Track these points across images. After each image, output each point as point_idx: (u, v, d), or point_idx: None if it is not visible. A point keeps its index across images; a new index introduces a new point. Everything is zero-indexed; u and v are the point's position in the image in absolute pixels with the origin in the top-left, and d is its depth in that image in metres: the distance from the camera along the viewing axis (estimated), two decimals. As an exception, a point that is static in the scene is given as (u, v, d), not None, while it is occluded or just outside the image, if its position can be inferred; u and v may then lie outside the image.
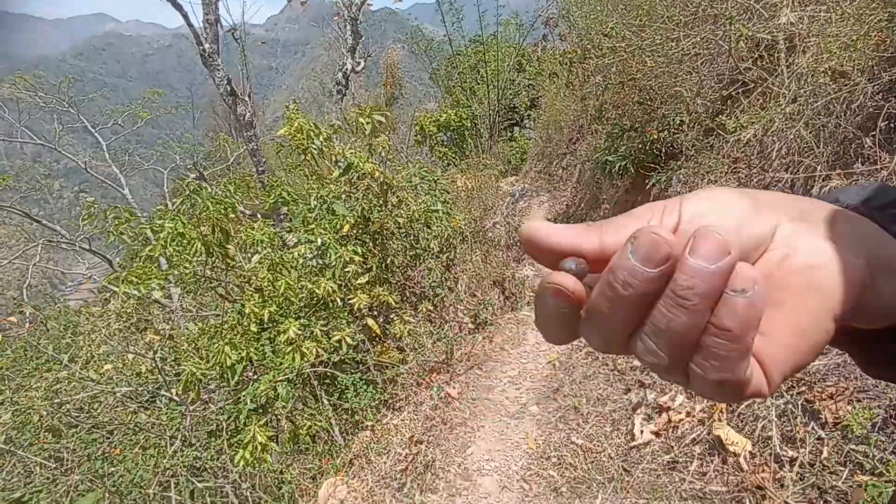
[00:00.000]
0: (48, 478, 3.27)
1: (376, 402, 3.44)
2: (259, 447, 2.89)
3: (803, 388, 1.95)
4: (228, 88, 5.88)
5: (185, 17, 5.69)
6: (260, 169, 6.15)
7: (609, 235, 0.25)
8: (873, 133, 2.20)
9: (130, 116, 7.91)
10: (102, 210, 3.94)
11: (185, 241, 3.40)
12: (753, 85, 3.69)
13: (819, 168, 2.40)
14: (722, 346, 0.21)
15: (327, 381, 3.59)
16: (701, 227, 0.22)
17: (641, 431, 2.25)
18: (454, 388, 3.36)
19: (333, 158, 4.37)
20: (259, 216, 4.64)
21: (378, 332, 3.71)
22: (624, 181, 5.99)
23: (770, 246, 0.24)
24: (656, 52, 4.31)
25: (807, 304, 0.23)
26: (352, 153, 4.03)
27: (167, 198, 7.06)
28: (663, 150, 4.73)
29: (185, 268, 3.51)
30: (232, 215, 3.77)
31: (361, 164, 3.88)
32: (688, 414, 2.24)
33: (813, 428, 1.80)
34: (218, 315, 3.68)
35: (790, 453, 1.80)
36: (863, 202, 0.29)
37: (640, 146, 4.96)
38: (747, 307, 0.21)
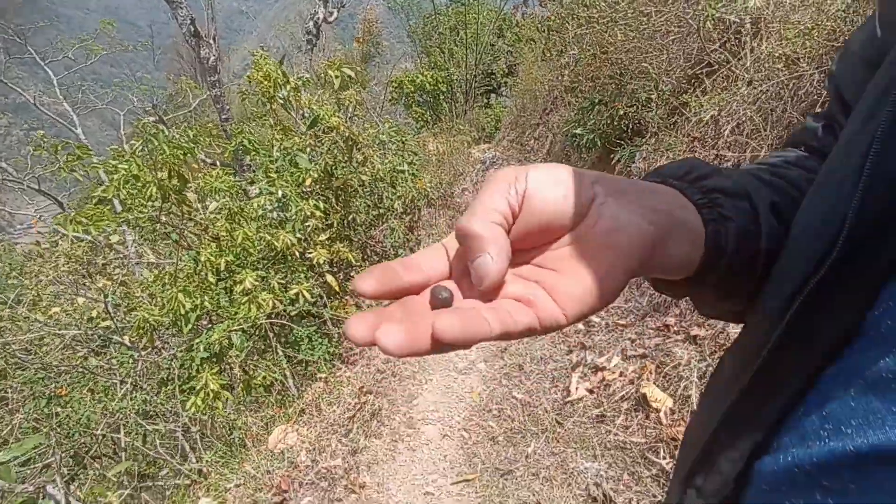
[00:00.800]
0: (-8, 416, 3.23)
1: (331, 355, 3.51)
2: (211, 394, 2.92)
3: (723, 353, 2.10)
4: (192, 29, 5.60)
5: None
6: (223, 116, 5.94)
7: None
8: (814, 119, 2.31)
9: (83, 51, 7.41)
10: (53, 144, 3.76)
11: (139, 185, 3.30)
12: (718, 66, 3.77)
13: (763, 150, 2.52)
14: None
15: (283, 333, 3.62)
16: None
17: (577, 388, 2.39)
18: (408, 344, 3.44)
19: (300, 110, 4.27)
20: (218, 164, 4.52)
21: (337, 288, 3.73)
22: (591, 155, 6.06)
23: (588, 213, 0.31)
24: (629, 25, 4.33)
25: (605, 258, 0.30)
26: (318, 105, 3.95)
27: (124, 140, 6.76)
28: (630, 126, 4.80)
29: (140, 212, 3.42)
30: (194, 165, 3.66)
31: (328, 118, 3.81)
32: (621, 374, 2.39)
33: (727, 388, 1.96)
34: (173, 262, 3.62)
35: (705, 410, 1.96)
36: (680, 176, 0.36)
37: (608, 121, 5.01)
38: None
